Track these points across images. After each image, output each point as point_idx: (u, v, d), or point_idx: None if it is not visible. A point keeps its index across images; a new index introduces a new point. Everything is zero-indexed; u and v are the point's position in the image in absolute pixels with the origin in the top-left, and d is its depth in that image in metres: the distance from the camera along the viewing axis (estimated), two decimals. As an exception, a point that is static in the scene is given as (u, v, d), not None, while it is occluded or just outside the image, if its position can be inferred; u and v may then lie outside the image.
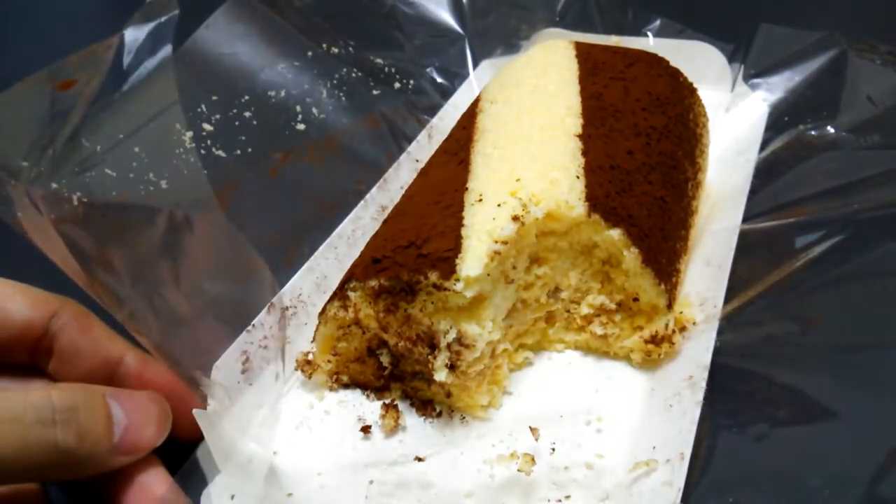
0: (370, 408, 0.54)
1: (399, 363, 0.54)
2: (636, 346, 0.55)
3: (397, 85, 0.82)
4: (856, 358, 0.53)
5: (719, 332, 0.54)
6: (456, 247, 0.48)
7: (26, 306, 0.45)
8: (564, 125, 0.59)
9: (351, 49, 0.82)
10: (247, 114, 0.73)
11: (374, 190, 0.69)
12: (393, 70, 0.82)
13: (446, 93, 0.83)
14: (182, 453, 0.48)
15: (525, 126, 0.59)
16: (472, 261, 0.47)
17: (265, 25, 0.77)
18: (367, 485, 0.48)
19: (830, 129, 0.70)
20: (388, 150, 0.75)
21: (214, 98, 0.71)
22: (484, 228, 0.49)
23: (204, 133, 0.69)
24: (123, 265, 0.47)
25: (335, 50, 0.81)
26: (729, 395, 0.51)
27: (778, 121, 0.74)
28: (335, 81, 0.79)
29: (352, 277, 0.52)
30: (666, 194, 0.57)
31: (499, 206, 0.51)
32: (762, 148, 0.71)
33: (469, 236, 0.49)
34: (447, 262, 0.48)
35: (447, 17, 0.88)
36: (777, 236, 0.61)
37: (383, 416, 0.52)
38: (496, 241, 0.49)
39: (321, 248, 0.63)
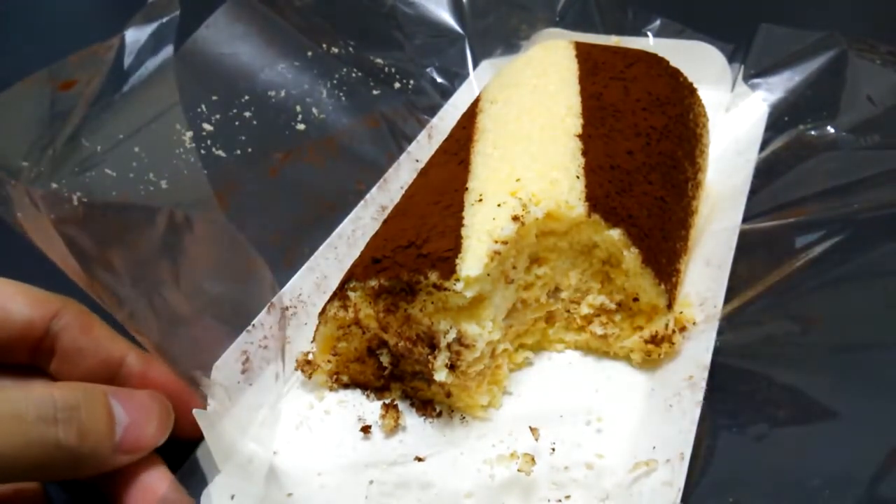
0: (370, 408, 0.54)
1: (399, 363, 0.54)
2: (636, 346, 0.55)
3: (397, 85, 0.82)
4: (856, 358, 0.53)
5: (719, 332, 0.54)
6: (456, 247, 0.48)
7: (27, 306, 0.45)
8: (564, 125, 0.59)
9: (351, 49, 0.82)
10: (247, 114, 0.73)
11: (374, 190, 0.69)
12: (393, 70, 0.82)
13: (446, 93, 0.83)
14: (182, 453, 0.48)
15: (525, 126, 0.59)
16: (472, 261, 0.48)
17: (265, 25, 0.77)
18: (367, 485, 0.48)
19: (830, 129, 0.70)
20: (388, 150, 0.75)
21: (214, 98, 0.71)
22: (484, 228, 0.49)
23: (204, 133, 0.69)
24: (123, 265, 0.47)
25: (335, 50, 0.81)
26: (729, 395, 0.51)
27: (778, 121, 0.74)
28: (335, 81, 0.79)
29: (352, 277, 0.52)
30: (666, 194, 0.57)
31: (499, 206, 0.51)
32: (762, 148, 0.71)
33: (469, 236, 0.49)
34: (447, 262, 0.48)
35: (447, 17, 0.88)
36: (777, 236, 0.61)
37: (383, 416, 0.52)
38: (496, 241, 0.49)
39: (321, 248, 0.63)
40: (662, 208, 0.56)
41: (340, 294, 0.53)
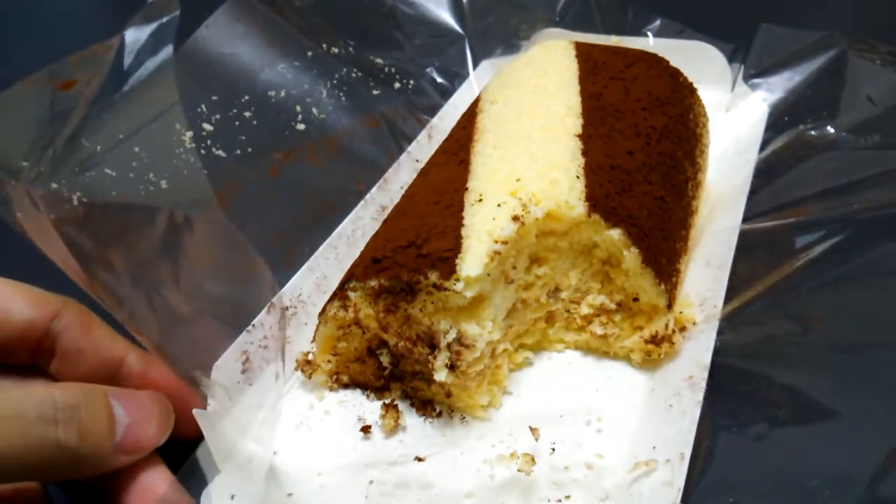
0: (370, 408, 0.54)
1: (399, 363, 0.54)
2: (636, 346, 0.55)
3: (397, 85, 0.82)
4: (856, 358, 0.53)
5: (719, 332, 0.54)
6: (456, 247, 0.48)
7: (27, 307, 0.45)
8: (564, 125, 0.59)
9: (351, 49, 0.82)
10: (247, 114, 0.73)
11: (374, 190, 0.69)
12: (393, 70, 0.82)
13: (446, 93, 0.83)
14: (182, 453, 0.48)
15: (525, 126, 0.59)
16: (472, 261, 0.48)
17: (265, 25, 0.77)
18: (367, 485, 0.48)
19: (830, 129, 0.70)
20: (388, 150, 0.75)
21: (214, 98, 0.71)
22: (484, 228, 0.49)
23: (204, 133, 0.69)
24: (123, 265, 0.47)
25: (335, 50, 0.81)
26: (729, 395, 0.51)
27: (778, 121, 0.74)
28: (335, 81, 0.79)
29: (352, 277, 0.52)
30: (666, 194, 0.57)
31: (499, 206, 0.51)
32: (762, 148, 0.71)
33: (469, 236, 0.49)
34: (447, 262, 0.48)
35: (447, 17, 0.88)
36: (777, 236, 0.61)
37: (383, 416, 0.52)
38: (496, 241, 0.49)
39: (321, 248, 0.63)
40: (662, 208, 0.56)
41: (340, 294, 0.53)
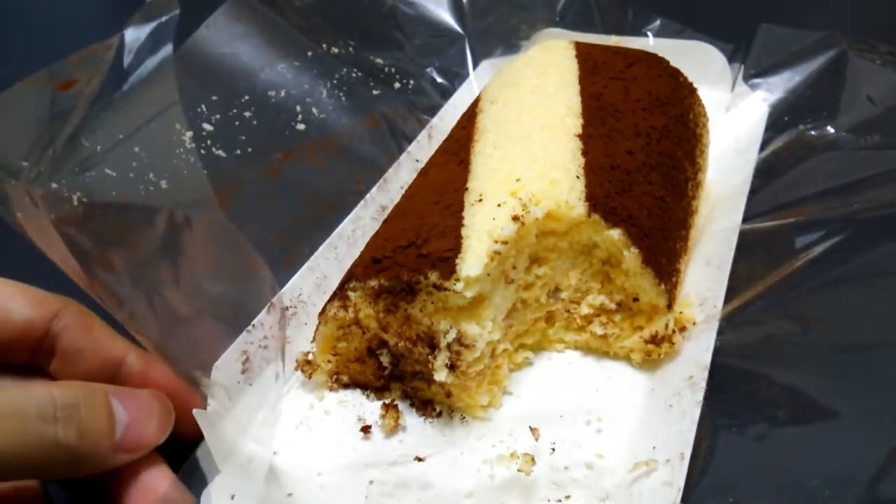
0: (370, 408, 0.54)
1: (399, 363, 0.54)
2: (636, 346, 0.55)
3: (397, 85, 0.82)
4: (856, 358, 0.53)
5: (719, 332, 0.54)
6: (456, 247, 0.48)
7: (27, 307, 0.45)
8: (564, 125, 0.59)
9: (351, 49, 0.82)
10: (247, 114, 0.73)
11: (374, 190, 0.69)
12: (393, 70, 0.82)
13: (446, 93, 0.83)
14: (182, 453, 0.48)
15: (525, 126, 0.59)
16: (472, 261, 0.48)
17: (265, 25, 0.77)
18: (367, 485, 0.48)
19: (830, 129, 0.70)
20: (388, 150, 0.75)
21: (214, 98, 0.71)
22: (484, 228, 0.49)
23: (204, 133, 0.69)
24: (123, 265, 0.47)
25: (335, 50, 0.81)
26: (729, 395, 0.51)
27: (778, 121, 0.74)
28: (335, 81, 0.79)
29: (352, 277, 0.52)
30: (666, 194, 0.57)
31: (499, 206, 0.51)
32: (762, 148, 0.71)
33: (469, 236, 0.49)
34: (447, 262, 0.48)
35: (447, 17, 0.88)
36: (777, 236, 0.61)
37: (383, 416, 0.52)
38: (496, 241, 0.49)
39: (321, 248, 0.63)
40: (662, 208, 0.56)
41: (340, 294, 0.53)
